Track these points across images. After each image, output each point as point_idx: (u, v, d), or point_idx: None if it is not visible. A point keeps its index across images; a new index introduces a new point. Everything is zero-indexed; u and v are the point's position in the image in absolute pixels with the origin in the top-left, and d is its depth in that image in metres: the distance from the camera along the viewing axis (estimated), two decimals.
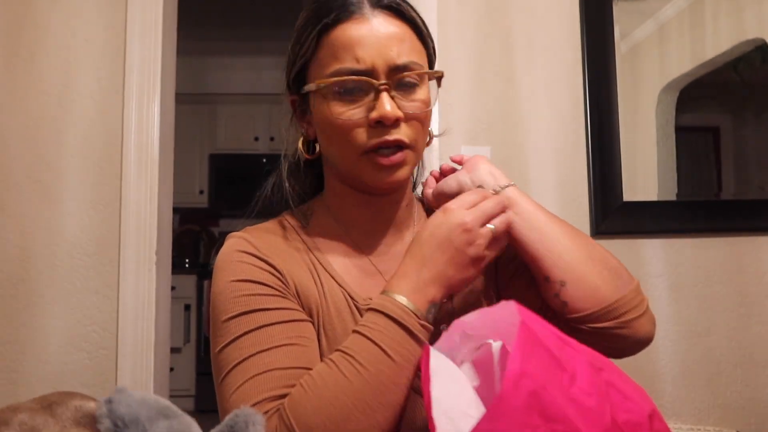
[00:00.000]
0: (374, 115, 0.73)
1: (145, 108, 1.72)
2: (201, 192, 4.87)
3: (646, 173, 1.84)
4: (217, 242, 4.94)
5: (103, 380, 1.65)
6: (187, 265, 4.61)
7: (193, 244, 4.93)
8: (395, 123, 0.74)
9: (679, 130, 1.91)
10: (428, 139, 0.85)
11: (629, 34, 1.86)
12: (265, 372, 0.69)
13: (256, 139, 4.86)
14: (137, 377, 1.65)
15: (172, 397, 2.12)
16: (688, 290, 1.77)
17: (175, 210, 1.95)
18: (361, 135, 0.74)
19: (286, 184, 0.86)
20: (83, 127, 1.71)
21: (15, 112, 1.71)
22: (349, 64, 0.73)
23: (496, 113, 1.78)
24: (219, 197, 4.87)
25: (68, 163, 1.70)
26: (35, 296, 1.66)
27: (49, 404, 0.50)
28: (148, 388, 1.66)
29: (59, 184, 1.70)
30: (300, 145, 0.84)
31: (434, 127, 1.40)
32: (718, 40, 1.91)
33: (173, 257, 1.89)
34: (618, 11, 1.82)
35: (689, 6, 1.90)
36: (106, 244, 1.69)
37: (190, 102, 4.43)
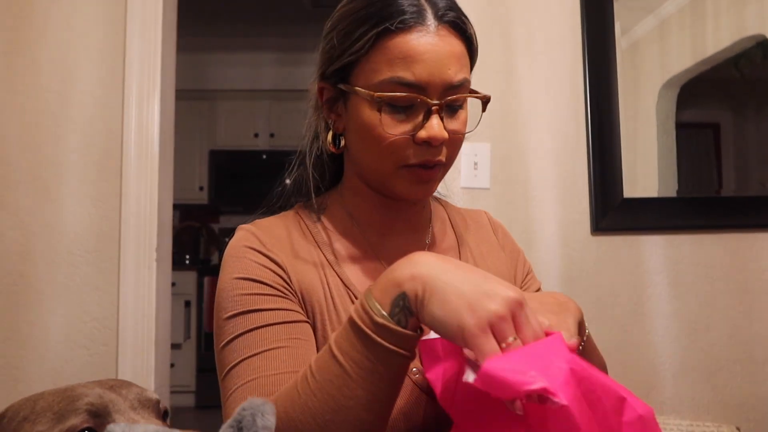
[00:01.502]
0: (423, 135, 0.72)
1: (145, 104, 1.72)
2: (201, 188, 4.87)
3: (647, 170, 1.84)
4: (217, 239, 4.95)
5: (103, 377, 1.65)
6: (187, 262, 4.62)
7: (193, 241, 4.93)
8: (440, 145, 0.74)
9: (680, 126, 1.91)
10: None
11: (630, 30, 1.86)
12: (254, 379, 0.69)
13: (256, 135, 4.86)
14: (137, 373, 1.66)
15: (173, 393, 2.13)
16: (688, 287, 1.77)
17: (175, 206, 1.95)
18: (405, 151, 0.74)
19: (310, 175, 0.85)
20: (83, 123, 1.71)
21: (14, 109, 1.70)
22: (406, 75, 0.71)
23: (496, 110, 1.77)
24: (219, 194, 4.87)
25: (68, 159, 1.70)
26: (35, 293, 1.66)
27: (111, 386, 0.54)
28: (148, 384, 1.66)
29: (59, 180, 1.69)
30: (329, 138, 0.82)
31: None
32: (718, 37, 1.90)
33: (173, 253, 1.89)
34: (618, 7, 1.82)
35: (690, 2, 1.90)
36: (106, 241, 1.69)
37: (189, 98, 4.43)
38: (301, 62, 4.60)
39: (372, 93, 0.72)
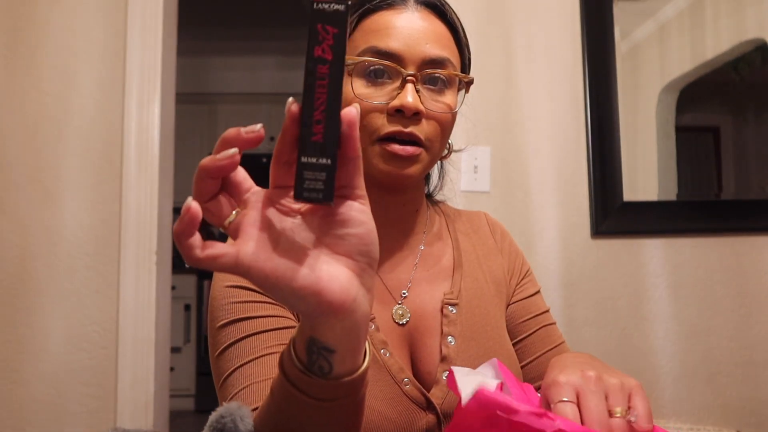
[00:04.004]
0: (395, 103, 0.72)
1: (145, 108, 1.72)
2: None
3: (647, 173, 1.84)
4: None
5: (103, 380, 1.65)
6: (187, 265, 4.61)
7: None
8: (415, 117, 0.73)
9: (680, 130, 1.91)
10: (447, 152, 0.83)
11: (629, 34, 1.86)
12: (246, 387, 0.69)
13: None
14: (137, 377, 1.65)
15: (173, 397, 2.12)
16: (688, 290, 1.77)
17: (175, 210, 1.95)
18: (378, 120, 0.73)
19: None
20: (83, 127, 1.71)
21: (15, 112, 1.71)
22: (380, 44, 0.73)
23: (497, 114, 1.78)
24: None
25: (68, 163, 1.70)
26: (35, 296, 1.66)
27: None
28: (148, 387, 1.66)
29: (59, 184, 1.70)
30: None
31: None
32: (718, 41, 1.91)
33: (173, 257, 1.89)
34: (618, 11, 1.82)
35: (689, 6, 1.90)
36: (106, 244, 1.69)
37: (189, 102, 4.43)
38: (301, 66, 4.59)
39: (347, 58, 0.74)
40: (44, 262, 1.67)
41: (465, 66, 0.81)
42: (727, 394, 1.75)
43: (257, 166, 4.74)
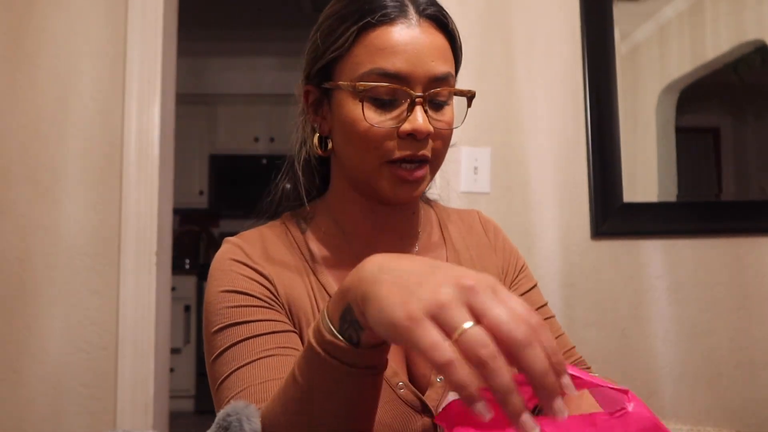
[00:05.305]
0: (407, 127, 0.71)
1: (146, 109, 1.72)
2: (201, 193, 4.86)
3: (647, 174, 1.84)
4: (217, 243, 4.94)
5: (102, 381, 1.65)
6: (187, 266, 4.61)
7: (193, 245, 4.93)
8: (425, 138, 0.73)
9: (680, 130, 1.92)
10: None
11: (629, 35, 1.86)
12: (244, 389, 0.69)
13: (256, 139, 4.86)
14: (137, 378, 1.65)
15: (173, 398, 2.12)
16: (688, 291, 1.77)
17: (175, 211, 1.96)
18: (389, 145, 0.72)
19: (300, 180, 0.84)
20: (83, 127, 1.71)
21: (15, 113, 1.71)
22: (387, 66, 0.71)
23: (497, 115, 1.78)
24: (219, 198, 4.87)
25: (68, 163, 1.70)
26: (35, 297, 1.66)
27: None
28: (148, 388, 1.66)
29: (59, 184, 1.70)
30: (315, 141, 0.81)
31: None
32: (718, 42, 1.91)
33: (173, 258, 1.89)
34: (618, 12, 1.83)
35: (689, 7, 1.90)
36: (106, 245, 1.69)
37: (190, 103, 4.43)
38: (301, 66, 4.61)
39: (354, 84, 0.72)
40: (44, 263, 1.67)
41: (457, 70, 0.81)
42: (728, 396, 1.75)
43: (257, 166, 4.74)
